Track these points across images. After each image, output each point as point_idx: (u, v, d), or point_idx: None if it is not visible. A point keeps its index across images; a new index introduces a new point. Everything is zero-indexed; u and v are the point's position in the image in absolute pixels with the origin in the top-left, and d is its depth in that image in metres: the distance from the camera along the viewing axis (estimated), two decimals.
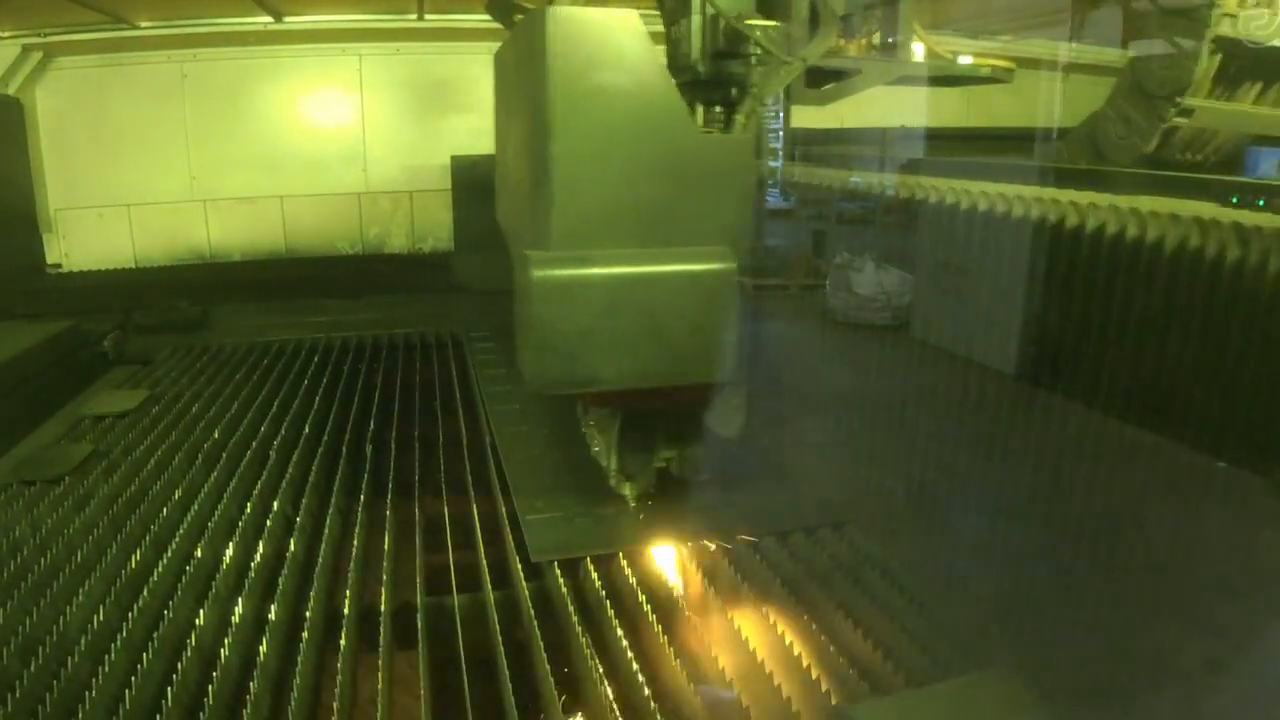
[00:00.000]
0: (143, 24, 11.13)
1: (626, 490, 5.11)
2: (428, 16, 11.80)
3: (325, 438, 6.50)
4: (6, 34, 10.82)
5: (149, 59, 11.52)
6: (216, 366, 8.28)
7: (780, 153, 10.16)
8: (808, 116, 8.04)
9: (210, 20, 11.40)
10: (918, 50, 5.71)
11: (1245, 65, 4.84)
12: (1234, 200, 3.69)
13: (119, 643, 3.78)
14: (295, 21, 11.62)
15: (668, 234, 4.05)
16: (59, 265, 11.76)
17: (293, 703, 3.55)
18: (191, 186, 11.81)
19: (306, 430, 6.57)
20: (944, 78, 6.22)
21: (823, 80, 5.21)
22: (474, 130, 12.11)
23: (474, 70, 12.24)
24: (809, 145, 5.72)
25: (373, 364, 8.60)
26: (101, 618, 3.96)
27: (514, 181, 4.83)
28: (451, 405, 7.48)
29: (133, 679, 3.54)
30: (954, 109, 12.66)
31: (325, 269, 11.89)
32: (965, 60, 6.35)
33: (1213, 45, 4.33)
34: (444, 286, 11.58)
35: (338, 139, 12.18)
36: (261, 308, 10.68)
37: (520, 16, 4.67)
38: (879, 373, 7.73)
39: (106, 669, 3.60)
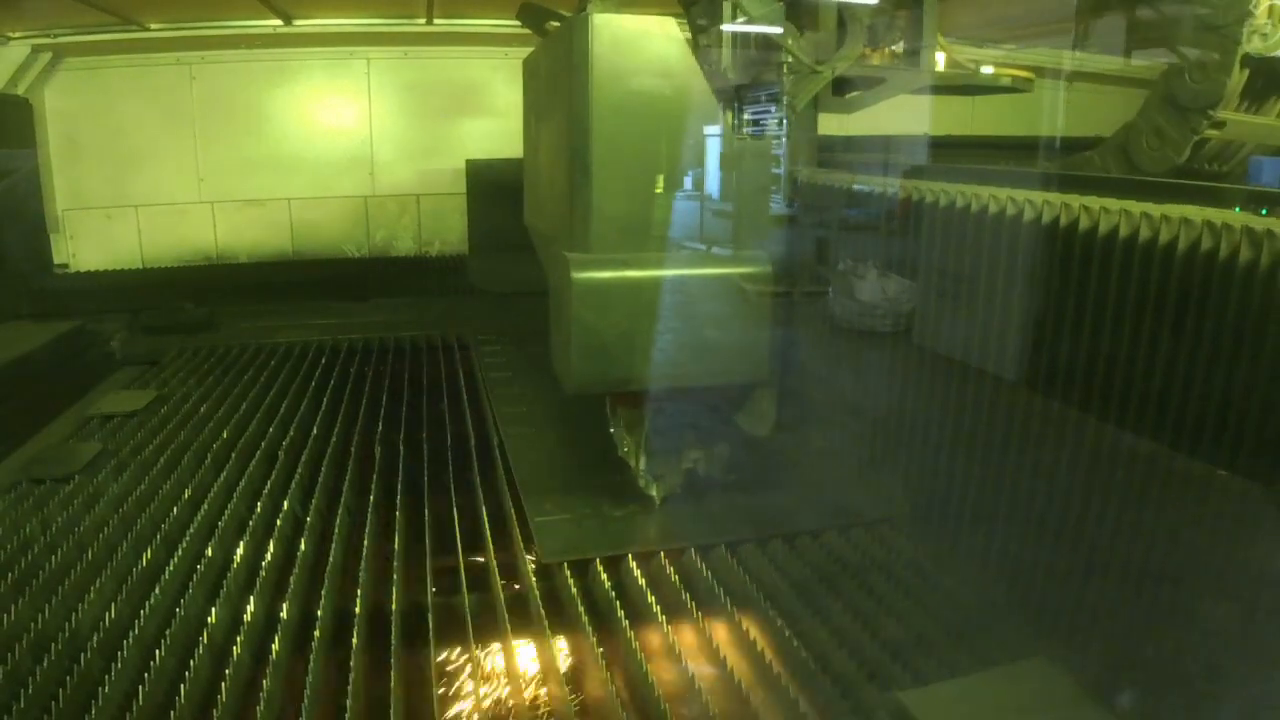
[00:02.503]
0: (152, 25, 11.15)
1: (654, 491, 5.13)
2: (436, 20, 11.82)
3: (333, 439, 6.51)
4: (16, 35, 10.85)
5: (158, 60, 11.53)
6: (224, 368, 8.30)
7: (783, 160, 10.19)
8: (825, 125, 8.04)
9: (219, 22, 11.41)
10: (940, 59, 5.76)
11: (1272, 79, 4.92)
12: (1264, 211, 3.74)
13: (131, 640, 3.78)
14: (304, 24, 11.63)
15: (705, 236, 4.13)
16: (66, 265, 11.77)
17: (305, 700, 3.55)
18: (199, 188, 11.82)
19: (314, 431, 6.58)
20: (966, 86, 6.31)
21: (849, 89, 5.23)
22: (483, 134, 12.14)
23: (483, 74, 12.27)
24: (824, 153, 5.79)
25: (379, 366, 8.60)
26: (113, 615, 3.97)
27: (548, 185, 4.87)
28: (459, 407, 7.49)
29: (146, 676, 3.56)
30: (962, 117, 12.69)
31: (332, 271, 11.91)
32: (987, 70, 6.43)
33: (1242, 60, 4.37)
34: (451, 290, 11.59)
35: (345, 142, 12.19)
36: (268, 309, 10.70)
37: (554, 24, 4.69)
38: (880, 378, 7.72)
39: (119, 666, 3.60)
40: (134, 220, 11.76)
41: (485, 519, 5.38)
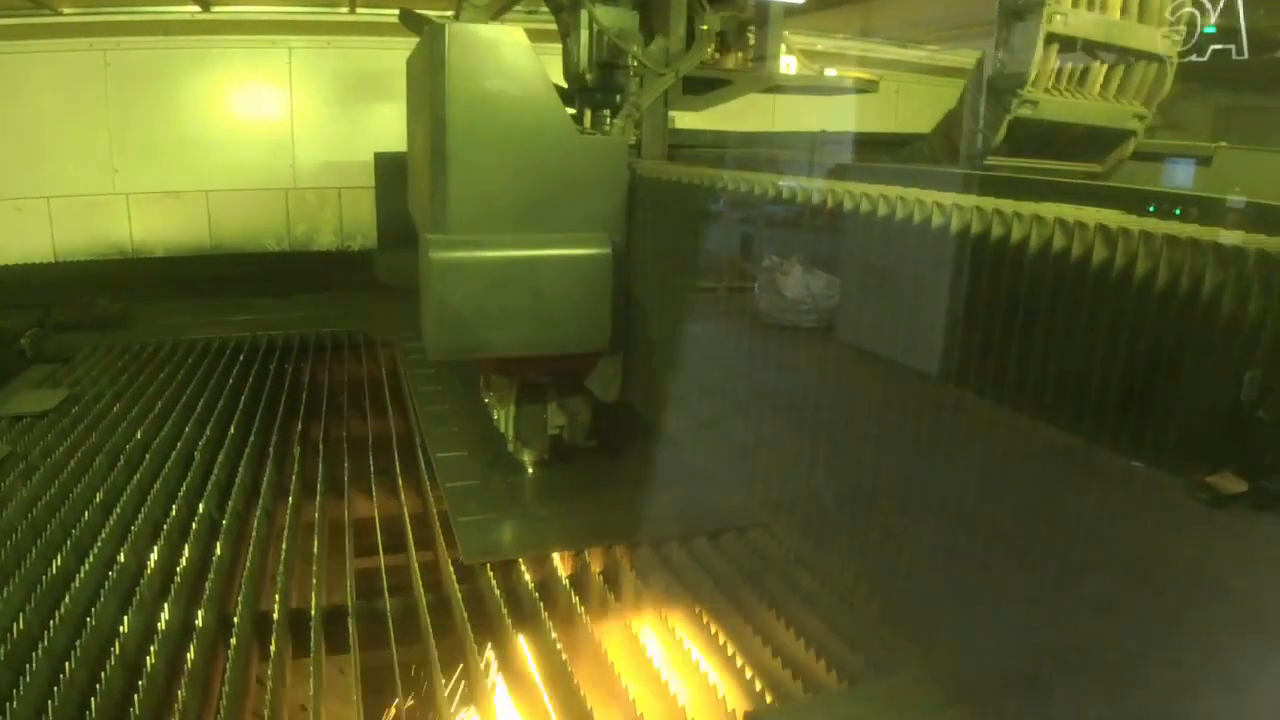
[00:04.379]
0: (65, 10, 10.81)
1: (525, 456, 5.66)
2: (360, 10, 11.65)
3: (252, 438, 6.42)
4: None
5: (70, 46, 11.17)
6: (139, 365, 8.09)
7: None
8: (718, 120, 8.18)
9: (135, 7, 11.10)
10: (791, 63, 6.54)
11: (1091, 59, 5.20)
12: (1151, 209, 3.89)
13: (40, 651, 3.68)
14: (223, 11, 11.37)
15: (551, 221, 4.65)
16: None
17: (221, 711, 3.50)
18: (113, 179, 11.48)
19: (232, 431, 6.48)
20: (814, 88, 7.11)
21: (703, 89, 5.77)
22: (404, 127, 11.98)
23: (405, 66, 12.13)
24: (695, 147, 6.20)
25: (300, 363, 8.48)
26: (21, 626, 3.86)
27: (419, 175, 5.32)
28: (381, 405, 7.43)
29: (55, 690, 3.47)
30: (865, 115, 12.87)
31: (252, 266, 11.69)
32: (831, 73, 7.11)
33: (1047, 41, 4.70)
34: (373, 285, 11.45)
35: (265, 133, 11.94)
36: (186, 305, 10.47)
37: (427, 28, 5.07)
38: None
39: (28, 679, 3.50)
40: (45, 212, 11.41)
41: (408, 519, 5.36)
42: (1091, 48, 5.12)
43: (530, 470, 5.67)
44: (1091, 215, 2.28)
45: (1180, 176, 6.30)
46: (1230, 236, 2.00)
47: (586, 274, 4.68)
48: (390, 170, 10.63)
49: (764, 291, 4.28)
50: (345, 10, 11.58)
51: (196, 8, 11.07)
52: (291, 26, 11.76)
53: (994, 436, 2.67)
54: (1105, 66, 5.31)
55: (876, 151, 6.50)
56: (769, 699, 3.47)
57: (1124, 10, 5.01)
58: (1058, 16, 4.67)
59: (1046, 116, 5.01)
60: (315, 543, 4.99)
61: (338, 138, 12.17)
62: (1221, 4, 9.28)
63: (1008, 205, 2.50)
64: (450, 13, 9.31)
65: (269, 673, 3.77)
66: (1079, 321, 2.29)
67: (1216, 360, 2.00)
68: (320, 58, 12.06)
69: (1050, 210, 2.36)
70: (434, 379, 7.47)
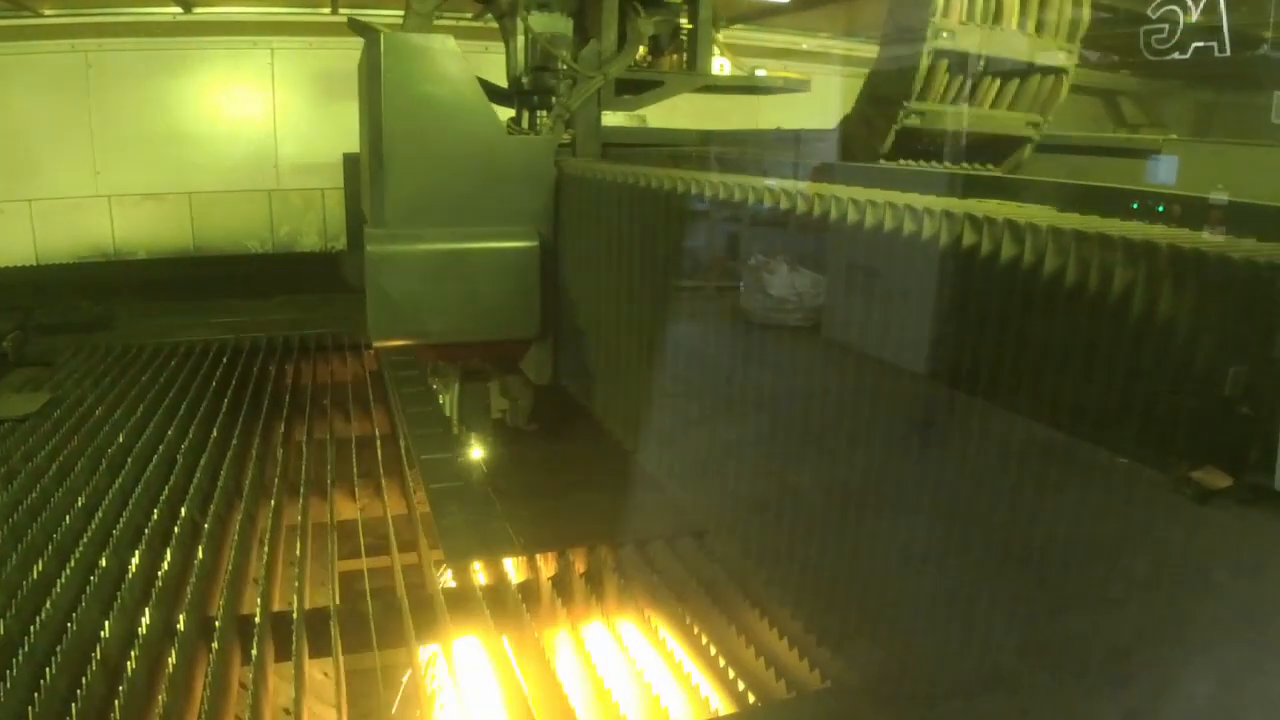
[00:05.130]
0: (46, 11, 10.78)
1: (471, 439, 5.81)
2: (342, 10, 11.62)
3: (234, 441, 6.41)
4: None
5: (52, 48, 11.14)
6: (121, 368, 8.07)
7: None
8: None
9: (116, 9, 11.06)
10: (724, 64, 6.77)
11: (983, 71, 5.35)
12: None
13: (21, 657, 3.67)
14: (205, 12, 11.34)
15: (483, 216, 4.90)
16: None
17: (202, 716, 3.51)
18: (96, 182, 11.44)
19: (215, 434, 6.47)
20: (745, 87, 7.29)
21: (635, 90, 5.98)
22: None
23: None
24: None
25: (284, 365, 8.48)
26: (2, 631, 3.85)
27: (365, 173, 5.63)
28: (365, 406, 7.43)
29: (35, 695, 3.46)
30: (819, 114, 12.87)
31: (234, 267, 11.66)
32: (761, 73, 7.31)
33: (932, 56, 4.87)
34: (357, 287, 11.42)
35: (248, 134, 11.92)
36: (168, 307, 10.46)
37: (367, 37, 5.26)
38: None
39: (8, 684, 3.50)
40: (27, 215, 11.36)
41: (390, 521, 5.37)
42: (984, 61, 5.29)
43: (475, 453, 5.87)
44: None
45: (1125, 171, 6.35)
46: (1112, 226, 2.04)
47: (515, 265, 4.95)
48: (358, 171, 10.63)
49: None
50: (327, 11, 11.55)
51: (178, 9, 11.04)
52: (273, 28, 11.73)
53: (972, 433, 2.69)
54: (997, 79, 5.47)
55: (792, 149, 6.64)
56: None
57: (1020, 25, 5.18)
58: (944, 33, 4.85)
59: (935, 126, 5.21)
60: (298, 544, 4.99)
61: (321, 138, 12.12)
62: (1203, 2, 9.33)
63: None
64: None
65: (250, 676, 3.78)
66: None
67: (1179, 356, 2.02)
68: (303, 58, 12.04)
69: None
70: (416, 380, 7.47)
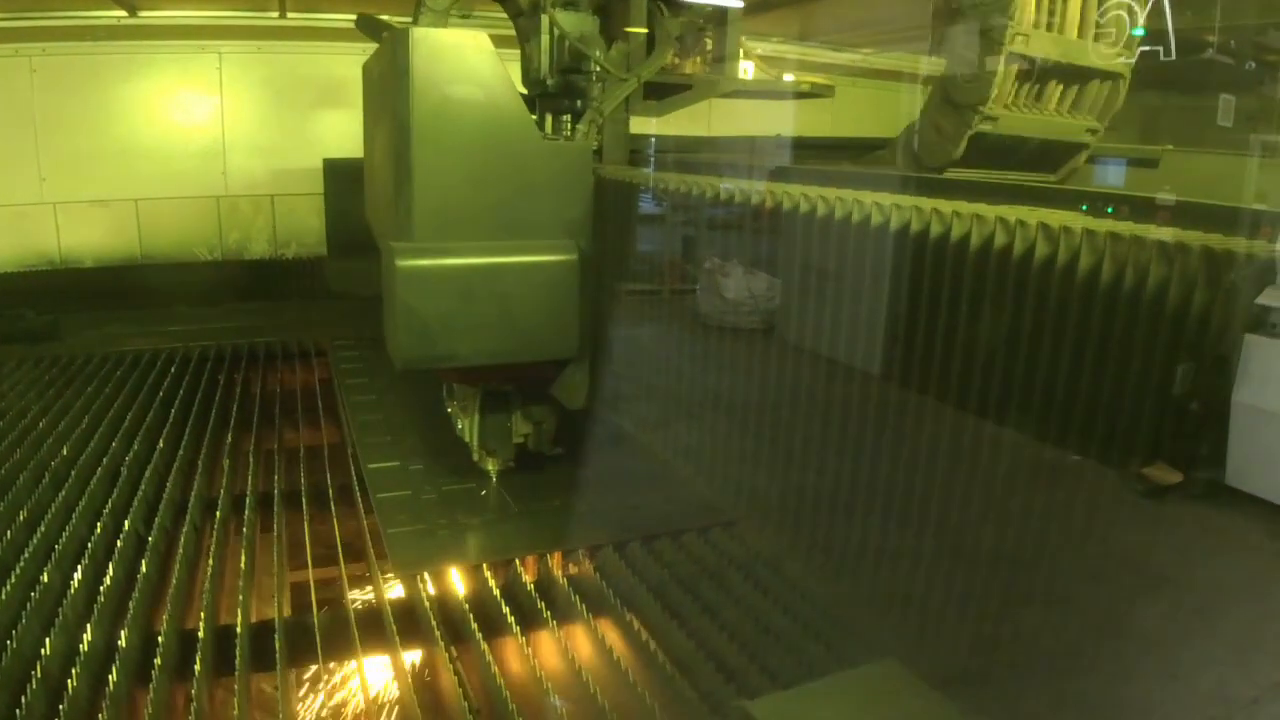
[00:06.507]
0: None
1: (489, 465, 5.59)
2: (290, 15, 11.55)
3: (181, 452, 6.36)
4: None
5: None
6: (67, 379, 7.96)
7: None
8: (672, 125, 8.24)
9: (60, 13, 10.91)
10: (749, 68, 6.41)
11: (1048, 77, 5.38)
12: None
13: None
14: (151, 16, 11.21)
15: (517, 228, 4.61)
16: None
17: None
18: (40, 188, 11.27)
19: (161, 445, 6.41)
20: (770, 92, 6.99)
21: (663, 94, 5.81)
22: (341, 132, 11.84)
23: (339, 71, 11.99)
24: (663, 152, 6.23)
25: (232, 374, 8.42)
26: None
27: (381, 182, 5.23)
28: (314, 415, 7.40)
29: None
30: (815, 120, 12.99)
31: (183, 275, 11.54)
32: (788, 78, 7.21)
33: (1008, 60, 4.88)
34: (308, 293, 11.37)
35: (196, 140, 11.78)
36: (115, 316, 10.32)
37: (388, 34, 5.04)
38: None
39: None
40: None
41: (338, 532, 5.35)
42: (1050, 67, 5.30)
43: (494, 480, 5.61)
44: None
45: None
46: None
47: (553, 280, 4.65)
48: (341, 176, 10.55)
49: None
50: (275, 15, 11.47)
51: (123, 13, 10.90)
52: (220, 32, 11.63)
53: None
54: (1060, 84, 5.48)
55: (839, 156, 6.63)
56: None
57: (1080, 31, 5.20)
58: (1020, 37, 4.83)
59: (1005, 131, 5.18)
60: (243, 557, 4.97)
61: (271, 144, 12.04)
62: (1149, 6, 9.54)
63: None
64: (408, 18, 9.29)
65: (194, 693, 3.76)
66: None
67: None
68: (251, 63, 11.94)
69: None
70: (367, 388, 7.46)
